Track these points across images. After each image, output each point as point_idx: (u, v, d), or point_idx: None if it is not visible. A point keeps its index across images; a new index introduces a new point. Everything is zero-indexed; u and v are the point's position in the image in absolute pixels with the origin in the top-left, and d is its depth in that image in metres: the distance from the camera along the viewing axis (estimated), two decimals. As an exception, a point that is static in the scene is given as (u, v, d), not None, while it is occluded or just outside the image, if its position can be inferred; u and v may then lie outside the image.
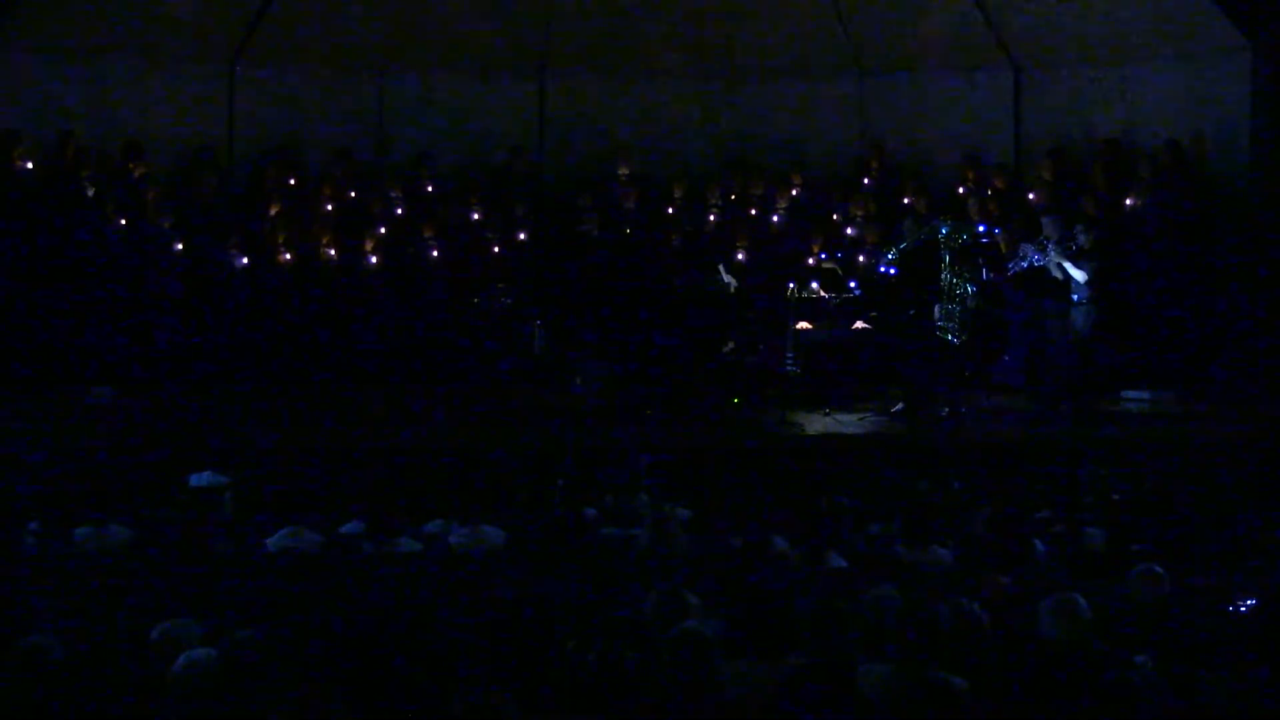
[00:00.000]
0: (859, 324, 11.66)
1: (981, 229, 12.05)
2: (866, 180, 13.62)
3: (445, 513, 7.29)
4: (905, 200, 13.22)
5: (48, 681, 4.54)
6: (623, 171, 13.57)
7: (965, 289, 10.83)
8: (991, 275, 11.39)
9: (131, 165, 12.65)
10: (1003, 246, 12.09)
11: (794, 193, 13.43)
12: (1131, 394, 11.75)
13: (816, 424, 10.67)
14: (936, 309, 10.93)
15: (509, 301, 12.25)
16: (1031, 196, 12.94)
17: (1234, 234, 12.49)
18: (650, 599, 5.36)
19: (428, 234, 12.64)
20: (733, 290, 12.03)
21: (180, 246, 12.13)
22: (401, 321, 12.45)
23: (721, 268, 12.15)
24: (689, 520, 7.26)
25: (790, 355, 11.35)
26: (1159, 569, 5.78)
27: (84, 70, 13.11)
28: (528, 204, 13.21)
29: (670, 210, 13.36)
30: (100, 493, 7.38)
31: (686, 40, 14.20)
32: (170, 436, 9.84)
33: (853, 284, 11.97)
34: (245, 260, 12.25)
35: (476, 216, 13.06)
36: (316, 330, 12.29)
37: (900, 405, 11.02)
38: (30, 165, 12.24)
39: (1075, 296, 11.19)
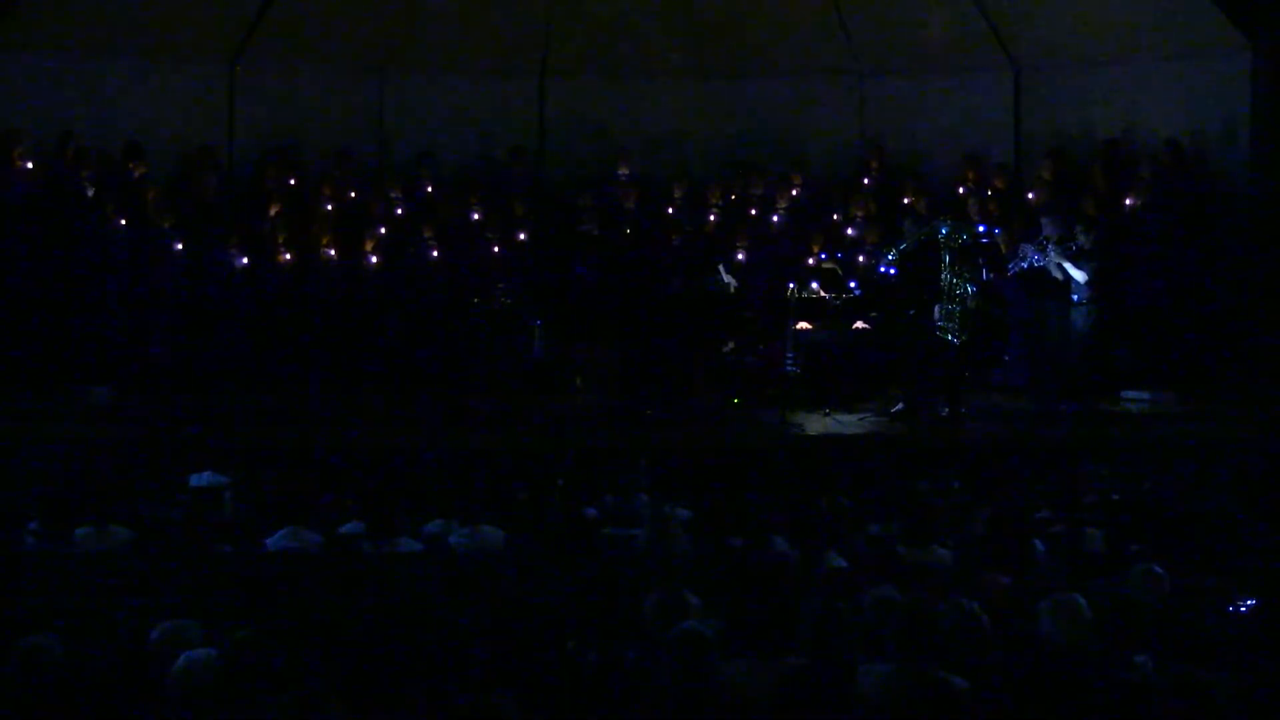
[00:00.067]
0: (859, 324, 11.66)
1: (981, 229, 12.05)
2: (866, 180, 13.61)
3: (445, 513, 7.29)
4: (905, 200, 13.21)
5: (48, 681, 4.54)
6: (623, 171, 13.56)
7: (965, 289, 10.83)
8: (991, 275, 11.39)
9: (131, 165, 12.64)
10: (1003, 246, 12.09)
11: (794, 193, 13.42)
12: (1131, 394, 11.74)
13: (816, 424, 10.67)
14: (936, 309, 10.93)
15: (509, 301, 12.24)
16: (1031, 196, 12.94)
17: (1234, 234, 12.50)
18: (650, 599, 5.36)
19: (428, 234, 12.64)
20: (733, 290, 12.02)
21: (180, 246, 12.12)
22: (401, 321, 12.44)
23: (721, 268, 12.15)
24: (689, 520, 7.26)
25: (790, 355, 11.35)
26: (1159, 569, 5.79)
27: (84, 70, 13.10)
28: (528, 204, 13.21)
29: (670, 210, 13.36)
30: (100, 493, 7.37)
31: (686, 40, 14.19)
32: (170, 436, 9.84)
33: (853, 284, 11.97)
34: (245, 260, 12.25)
35: (476, 216, 13.06)
36: (316, 330, 12.28)
37: (900, 405, 11.02)
38: (30, 165, 12.23)
39: (1075, 297, 11.20)
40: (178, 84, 13.44)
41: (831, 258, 12.46)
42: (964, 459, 9.49)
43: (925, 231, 11.09)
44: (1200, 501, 7.91)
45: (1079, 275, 11.10)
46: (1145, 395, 11.67)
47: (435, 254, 12.57)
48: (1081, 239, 11.22)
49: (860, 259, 12.65)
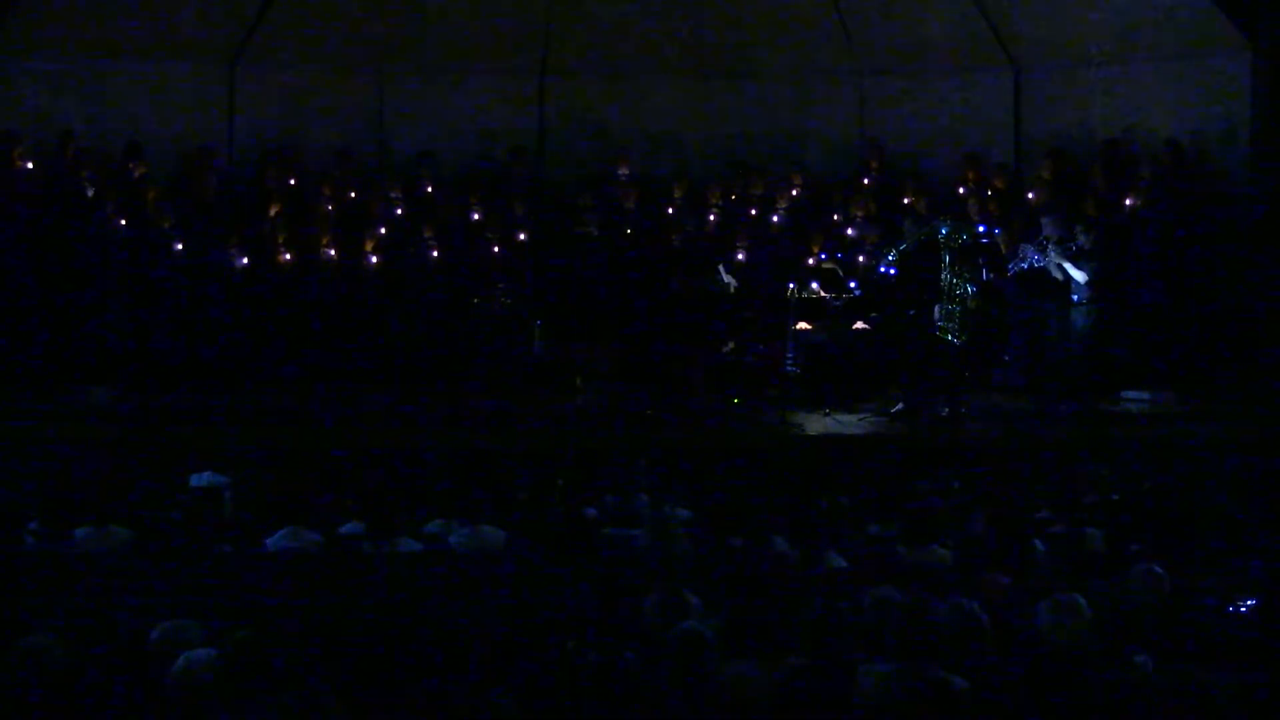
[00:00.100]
0: (859, 324, 11.66)
1: (981, 229, 12.05)
2: (866, 180, 13.60)
3: (445, 513, 7.29)
4: (905, 200, 13.20)
5: (48, 681, 4.54)
6: (623, 171, 13.56)
7: (965, 289, 10.84)
8: (991, 275, 11.40)
9: (131, 165, 12.65)
10: (1003, 246, 12.09)
11: (794, 193, 13.42)
12: (1131, 394, 11.74)
13: (816, 424, 10.67)
14: (936, 309, 10.93)
15: (509, 301, 12.24)
16: (1031, 196, 12.93)
17: (1234, 234, 12.49)
18: (650, 599, 5.36)
19: (428, 234, 12.63)
20: (733, 290, 12.02)
21: (180, 246, 12.12)
22: (401, 321, 12.44)
23: (721, 268, 12.14)
24: (689, 520, 7.27)
25: (790, 355, 11.36)
26: (1159, 569, 5.79)
27: (84, 70, 13.11)
28: (528, 204, 13.20)
29: (670, 210, 13.36)
30: (100, 493, 7.37)
31: (686, 40, 14.19)
32: (170, 436, 9.84)
33: (853, 284, 11.97)
34: (245, 260, 12.25)
35: (476, 216, 13.05)
36: (316, 330, 12.28)
37: (900, 405, 11.02)
38: (30, 165, 12.24)
39: (1075, 297, 11.20)
40: (178, 84, 13.44)
41: (831, 258, 12.46)
42: (964, 459, 9.49)
43: (925, 231, 11.09)
44: (1200, 501, 7.91)
45: (1079, 275, 11.10)
46: (1145, 395, 11.66)
47: (435, 254, 12.56)
48: (1081, 239, 11.22)
49: (860, 259, 12.64)
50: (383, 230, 12.68)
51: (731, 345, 11.80)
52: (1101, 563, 6.44)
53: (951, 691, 4.61)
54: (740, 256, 12.64)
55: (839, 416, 10.89)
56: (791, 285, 11.49)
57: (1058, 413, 10.99)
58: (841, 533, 7.03)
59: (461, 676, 4.65)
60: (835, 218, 13.29)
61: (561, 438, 10.05)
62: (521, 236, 12.90)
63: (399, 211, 13.02)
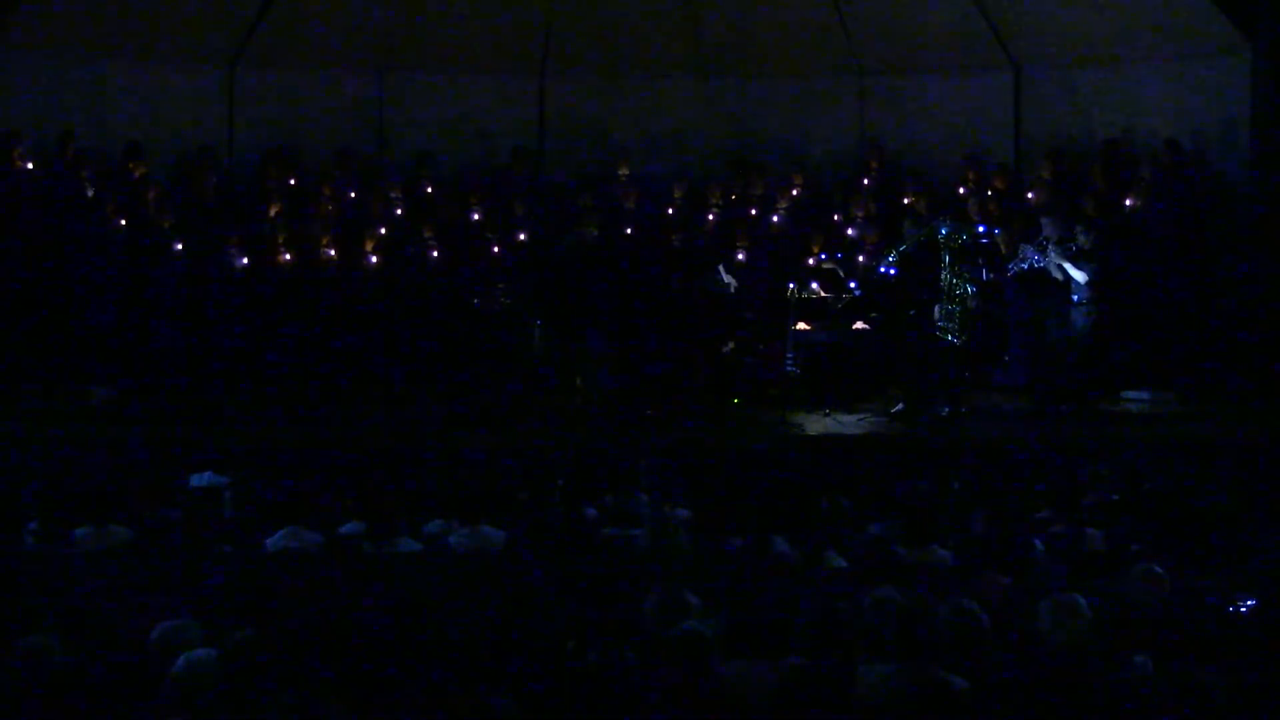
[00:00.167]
0: (859, 324, 11.66)
1: (981, 229, 12.05)
2: (866, 180, 13.61)
3: (445, 513, 7.29)
4: (905, 200, 13.21)
5: (48, 681, 4.54)
6: (623, 172, 13.56)
7: (965, 289, 10.84)
8: (991, 275, 11.39)
9: (131, 165, 12.65)
10: (1003, 246, 12.09)
11: (794, 193, 13.42)
12: (1131, 394, 11.74)
13: (816, 424, 10.67)
14: (936, 309, 10.93)
15: (509, 301, 12.24)
16: (1031, 196, 12.94)
17: (1234, 234, 12.49)
18: (650, 599, 5.36)
19: (428, 234, 12.63)
20: (733, 290, 12.02)
21: (180, 246, 12.12)
22: (401, 321, 12.44)
23: (721, 268, 12.14)
24: (689, 520, 7.27)
25: (790, 355, 11.36)
26: (1159, 569, 5.79)
27: (84, 70, 13.11)
28: (528, 204, 13.20)
29: (670, 210, 13.36)
30: (100, 493, 7.37)
31: (686, 40, 14.20)
32: (170, 436, 9.84)
33: (853, 284, 11.97)
34: (245, 260, 12.25)
35: (476, 216, 13.06)
36: (316, 330, 12.28)
37: (900, 405, 11.02)
38: (30, 165, 12.24)
39: (1075, 297, 11.19)
40: (178, 84, 13.45)
41: (831, 258, 12.46)
42: (964, 459, 9.49)
43: (925, 232, 11.10)
44: (1200, 501, 7.90)
45: (1079, 275, 11.10)
46: (1145, 395, 11.66)
47: (435, 254, 12.57)
48: (1081, 239, 11.21)
49: (860, 259, 12.65)
50: (383, 230, 12.68)
51: (731, 345, 11.80)
52: (1101, 563, 6.44)
53: (951, 691, 4.61)
54: (740, 256, 12.64)
55: (839, 416, 10.89)
56: (791, 285, 11.49)
57: (1058, 413, 10.98)
58: (841, 533, 7.03)
59: (461, 676, 4.65)
60: (835, 218, 13.30)
61: (561, 438, 10.05)
62: (521, 236, 12.90)
63: (399, 211, 13.02)
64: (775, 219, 13.18)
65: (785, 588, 5.65)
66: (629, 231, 13.07)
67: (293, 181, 13.09)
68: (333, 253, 12.48)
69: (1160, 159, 12.66)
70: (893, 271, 11.28)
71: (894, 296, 11.40)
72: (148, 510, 7.35)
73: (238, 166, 13.46)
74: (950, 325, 10.84)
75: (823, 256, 12.54)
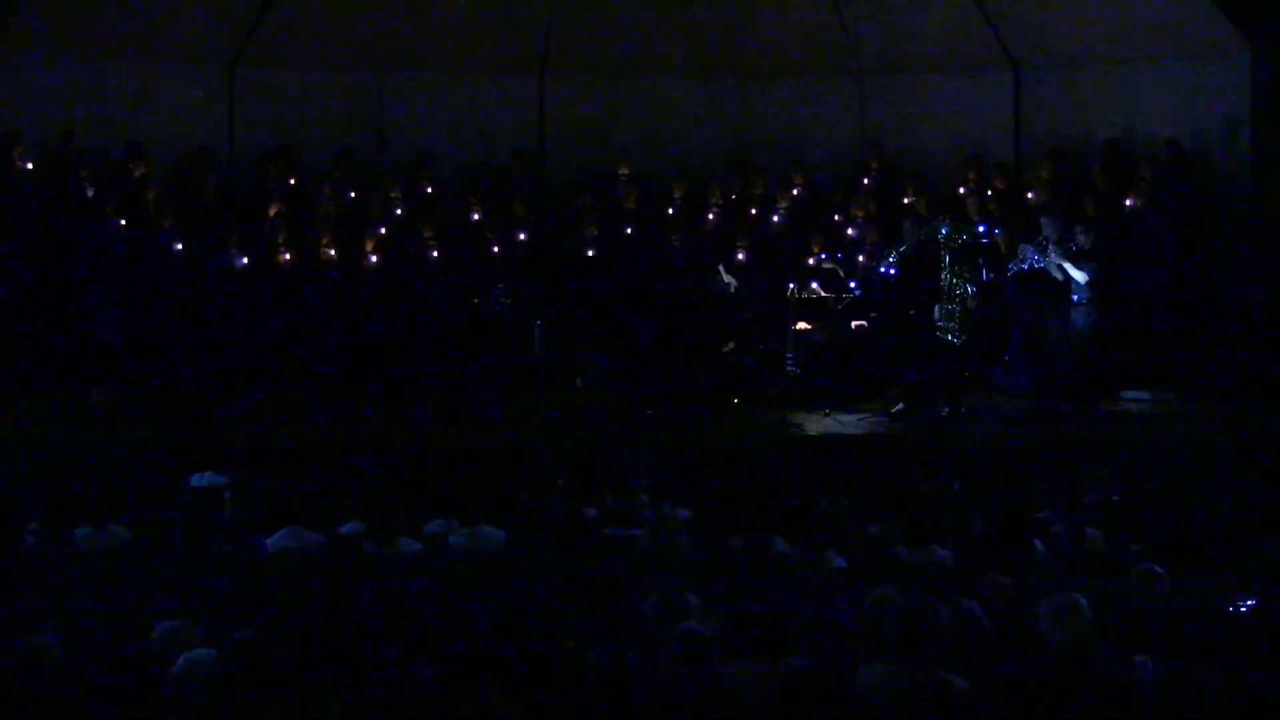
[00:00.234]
0: (859, 324, 11.66)
1: (981, 229, 12.05)
2: (866, 180, 13.61)
3: (445, 513, 7.29)
4: (905, 200, 13.21)
5: (48, 681, 4.54)
6: (623, 172, 13.56)
7: (965, 289, 10.83)
8: (991, 275, 11.39)
9: (131, 165, 12.65)
10: (1003, 246, 12.09)
11: (794, 193, 13.42)
12: (1131, 394, 11.74)
13: (816, 424, 10.67)
14: (936, 309, 10.92)
15: (509, 301, 12.24)
16: (1031, 196, 12.93)
17: (1234, 234, 12.49)
18: (650, 599, 5.36)
19: (428, 234, 12.63)
20: (733, 290, 12.02)
21: (180, 246, 12.12)
22: (401, 321, 12.44)
23: (721, 268, 12.14)
24: (689, 520, 7.27)
25: (790, 355, 11.36)
26: (1159, 569, 5.79)
27: (84, 70, 13.10)
28: (528, 204, 13.20)
29: (670, 210, 13.36)
30: (100, 493, 7.37)
31: (686, 40, 14.19)
32: (170, 436, 9.84)
33: (853, 284, 11.97)
34: (245, 260, 12.25)
35: (476, 216, 13.06)
36: (316, 330, 12.28)
37: (900, 405, 11.01)
38: (30, 165, 12.24)
39: (1075, 297, 11.19)
40: (178, 84, 13.44)
41: (831, 258, 12.46)
42: (964, 459, 9.49)
43: (925, 232, 11.09)
44: (1200, 501, 7.91)
45: (1079, 275, 11.09)
46: (1145, 395, 11.66)
47: (435, 254, 12.57)
48: (1081, 239, 11.21)
49: (860, 259, 12.65)
50: (383, 230, 12.69)
51: (731, 345, 11.80)
52: (1101, 563, 6.44)
53: (951, 691, 4.61)
54: (740, 256, 12.64)
55: (839, 416, 10.89)
56: (791, 285, 11.49)
57: (1058, 413, 10.98)
58: (841, 533, 7.03)
59: (461, 676, 4.65)
60: (835, 218, 13.30)
61: (561, 438, 10.05)
62: (521, 236, 12.90)
63: (399, 211, 13.02)
64: (775, 219, 13.18)
65: (785, 588, 5.65)
66: (629, 231, 13.07)
67: (293, 181, 13.09)
68: (333, 253, 12.48)
69: (1160, 159, 12.66)
70: (893, 271, 11.28)
71: (894, 296, 11.40)
72: (148, 510, 7.35)
73: (238, 166, 13.46)
74: (950, 325, 10.83)
75: (823, 256, 12.54)
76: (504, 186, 13.38)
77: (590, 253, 12.77)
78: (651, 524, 7.08)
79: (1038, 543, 6.77)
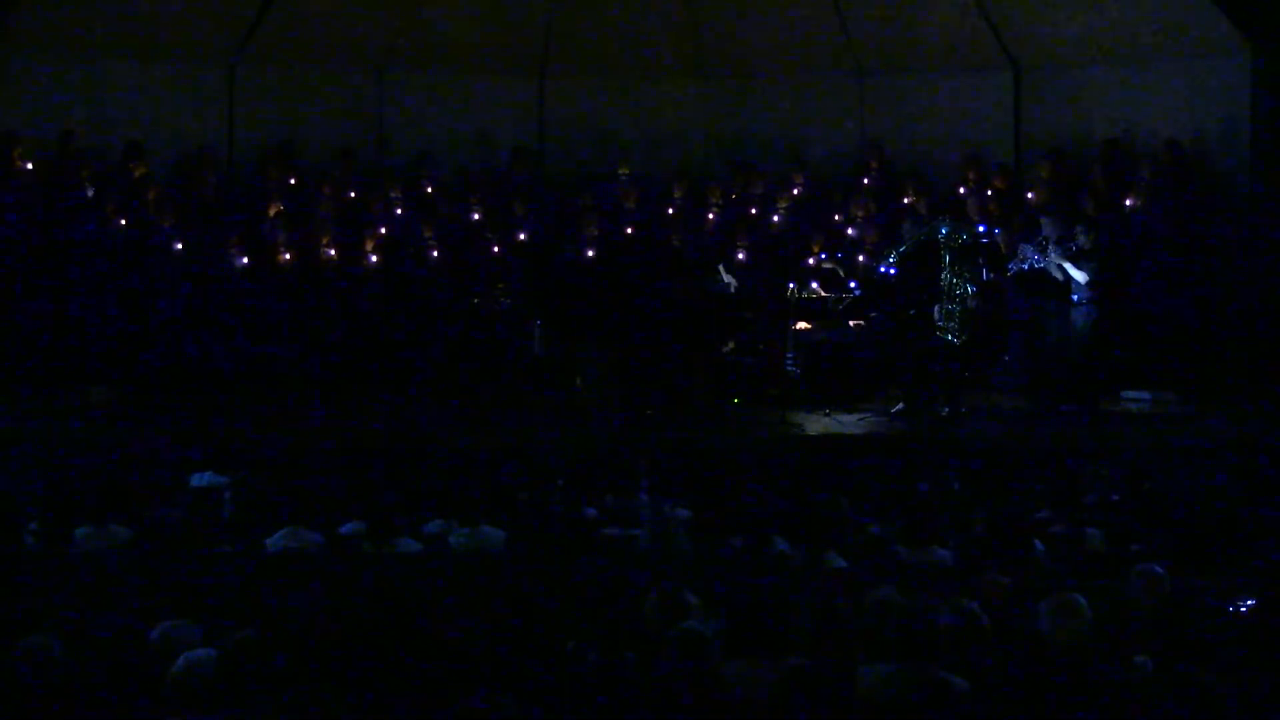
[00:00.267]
0: (859, 324, 11.66)
1: (981, 229, 12.05)
2: (866, 180, 13.61)
3: (445, 513, 7.28)
4: (905, 200, 13.21)
5: (48, 681, 4.54)
6: (623, 172, 13.56)
7: (965, 289, 10.84)
8: (991, 275, 11.39)
9: (131, 165, 12.65)
10: (1003, 246, 12.09)
11: (794, 193, 13.42)
12: (1131, 394, 11.74)
13: (816, 424, 10.67)
14: (936, 309, 10.93)
15: (509, 301, 12.24)
16: (1031, 196, 12.93)
17: (1234, 234, 12.49)
18: (650, 599, 5.36)
19: (428, 234, 12.64)
20: (733, 290, 12.02)
21: (180, 246, 12.12)
22: (401, 321, 12.44)
23: (721, 268, 12.14)
24: (689, 520, 7.26)
25: (790, 355, 11.36)
26: (1159, 569, 5.78)
27: (84, 70, 13.12)
28: (527, 204, 13.20)
29: (670, 210, 13.35)
30: (100, 493, 7.37)
31: (686, 40, 14.20)
32: (170, 436, 9.84)
33: (853, 284, 11.97)
34: (245, 260, 12.25)
35: (476, 216, 13.06)
36: (316, 330, 12.28)
37: (900, 405, 11.02)
38: (30, 165, 12.24)
39: (1075, 297, 11.19)
40: (178, 84, 13.45)
41: (831, 258, 12.46)
42: (964, 459, 9.48)
43: (925, 231, 11.10)
44: (1200, 501, 7.90)
45: (1079, 275, 11.09)
46: (1145, 395, 11.66)
47: (435, 254, 12.57)
48: (1081, 239, 11.21)
49: (860, 259, 12.65)
50: (383, 230, 12.69)
51: (731, 345, 11.80)
52: (1101, 563, 6.43)
53: (951, 691, 4.60)
54: (740, 256, 12.64)
55: (839, 416, 10.89)
56: (791, 285, 11.49)
57: (1058, 413, 10.98)
58: (841, 533, 7.03)
59: (461, 676, 4.65)
60: (835, 218, 13.30)
61: (561, 438, 10.04)
62: (521, 236, 12.90)
63: (399, 211, 13.02)
64: (775, 219, 13.18)
65: (785, 588, 5.64)
66: (629, 231, 13.07)
67: (293, 181, 13.09)
68: (333, 252, 12.47)
69: (1160, 159, 12.66)
70: (893, 271, 11.28)
71: (894, 296, 11.40)
72: (148, 510, 7.35)
73: (238, 166, 13.46)
74: (950, 325, 10.83)
75: (823, 256, 12.54)
76: (504, 186, 13.38)
77: (590, 253, 12.77)
78: (651, 524, 7.07)
79: (1038, 543, 6.76)
